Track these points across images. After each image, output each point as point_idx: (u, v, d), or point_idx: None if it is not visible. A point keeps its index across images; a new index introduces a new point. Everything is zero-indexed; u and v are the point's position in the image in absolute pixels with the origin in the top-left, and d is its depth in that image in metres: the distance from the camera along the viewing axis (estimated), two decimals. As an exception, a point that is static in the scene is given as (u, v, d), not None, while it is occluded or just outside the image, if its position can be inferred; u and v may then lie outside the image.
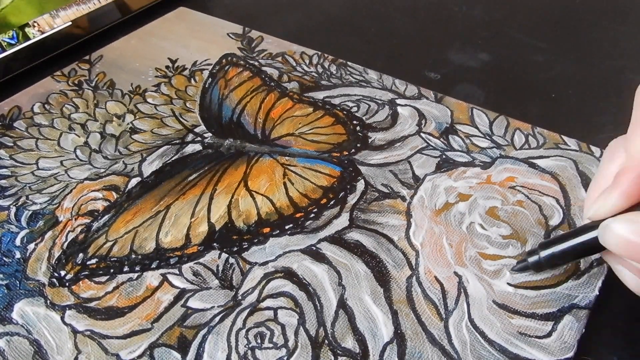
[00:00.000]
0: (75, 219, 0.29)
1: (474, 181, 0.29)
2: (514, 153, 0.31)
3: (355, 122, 0.34)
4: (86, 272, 0.26)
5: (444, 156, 0.31)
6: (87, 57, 0.41)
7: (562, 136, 0.31)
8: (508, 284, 0.24)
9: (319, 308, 0.24)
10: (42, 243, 0.28)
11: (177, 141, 0.33)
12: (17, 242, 0.28)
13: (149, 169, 0.31)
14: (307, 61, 0.39)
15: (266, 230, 0.27)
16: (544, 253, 0.23)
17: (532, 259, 0.24)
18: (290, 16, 0.46)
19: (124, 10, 0.45)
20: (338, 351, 0.23)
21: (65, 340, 0.24)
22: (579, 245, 0.22)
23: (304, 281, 0.25)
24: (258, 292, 0.25)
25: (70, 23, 0.42)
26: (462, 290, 0.24)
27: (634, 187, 0.19)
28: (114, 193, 0.30)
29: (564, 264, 0.24)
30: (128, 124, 0.35)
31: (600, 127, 0.33)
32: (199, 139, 0.33)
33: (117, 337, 0.23)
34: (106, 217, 0.29)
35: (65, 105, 0.37)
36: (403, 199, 0.29)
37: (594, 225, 0.21)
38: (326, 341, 0.23)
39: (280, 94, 0.36)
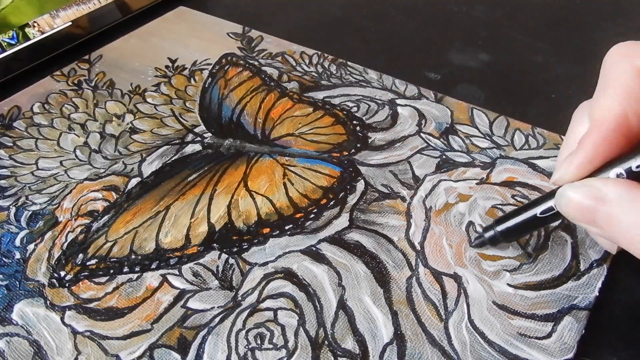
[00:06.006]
0: (75, 220, 0.29)
1: (474, 181, 0.29)
2: (514, 153, 0.31)
3: (355, 122, 0.34)
4: (86, 273, 0.26)
5: (444, 156, 0.31)
6: (86, 57, 0.41)
7: (562, 136, 0.31)
8: (508, 284, 0.24)
9: (318, 309, 0.24)
10: (41, 243, 0.28)
11: (177, 141, 0.33)
12: (17, 242, 0.28)
13: (148, 169, 0.31)
14: (307, 61, 0.39)
15: (266, 230, 0.27)
16: (499, 227, 0.24)
17: (489, 234, 0.24)
18: (290, 16, 0.46)
19: (124, 10, 0.45)
20: (338, 352, 0.23)
21: (65, 341, 0.24)
22: (534, 218, 0.22)
23: (304, 282, 0.25)
24: (258, 292, 0.25)
25: (70, 23, 0.42)
26: (462, 291, 0.24)
27: (596, 152, 0.19)
28: (113, 193, 0.30)
29: (521, 236, 0.25)
30: (128, 123, 0.35)
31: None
32: (198, 139, 0.33)
33: (117, 338, 0.23)
34: (106, 217, 0.29)
35: (65, 105, 0.37)
36: (403, 199, 0.29)
37: (550, 194, 0.21)
38: (326, 342, 0.23)
39: (280, 94, 0.36)
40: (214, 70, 0.39)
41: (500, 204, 0.28)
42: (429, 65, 0.39)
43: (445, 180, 0.29)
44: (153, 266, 0.26)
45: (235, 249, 0.27)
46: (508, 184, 0.29)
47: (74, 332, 0.24)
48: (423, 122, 0.33)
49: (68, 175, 0.32)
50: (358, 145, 0.32)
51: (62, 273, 0.26)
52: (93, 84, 0.39)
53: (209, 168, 0.31)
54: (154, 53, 0.41)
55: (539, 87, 0.37)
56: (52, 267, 0.27)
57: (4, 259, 0.27)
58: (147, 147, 0.33)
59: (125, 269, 0.26)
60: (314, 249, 0.26)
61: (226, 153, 0.32)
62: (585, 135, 0.20)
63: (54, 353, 0.23)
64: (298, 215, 0.28)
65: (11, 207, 0.30)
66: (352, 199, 0.29)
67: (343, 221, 0.28)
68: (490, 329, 0.23)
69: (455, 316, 0.23)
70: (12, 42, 0.40)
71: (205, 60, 0.40)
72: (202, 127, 0.34)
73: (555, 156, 0.30)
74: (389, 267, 0.25)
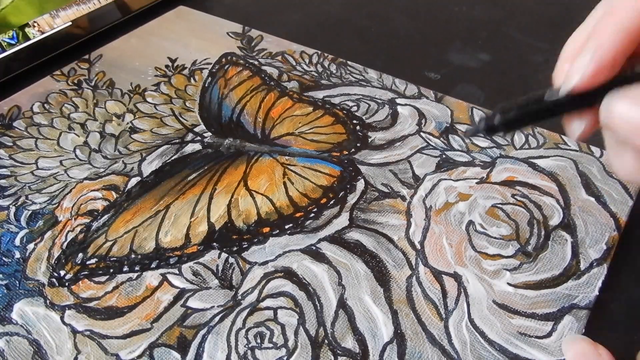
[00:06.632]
0: (75, 219, 0.29)
1: (473, 181, 0.29)
2: (514, 153, 0.31)
3: (355, 121, 0.34)
4: (86, 272, 0.26)
5: (444, 156, 0.31)
6: (86, 57, 0.41)
7: (562, 136, 0.31)
8: (508, 284, 0.24)
9: (318, 308, 0.24)
10: (41, 243, 0.28)
11: (177, 140, 0.33)
12: (17, 242, 0.28)
13: (148, 168, 0.31)
14: (307, 60, 0.39)
15: (266, 229, 0.27)
16: (503, 115, 0.20)
17: (496, 119, 0.20)
18: (290, 16, 0.46)
19: (124, 10, 0.45)
20: (338, 351, 0.22)
21: (64, 340, 0.23)
22: (542, 111, 0.20)
23: (304, 281, 0.25)
24: (258, 291, 0.25)
25: (70, 23, 0.42)
26: (462, 290, 0.24)
27: (614, 43, 0.16)
28: (113, 193, 0.30)
29: (519, 128, 0.22)
30: (127, 123, 0.35)
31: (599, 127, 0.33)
32: (198, 138, 0.33)
33: (117, 337, 0.23)
34: (106, 216, 0.29)
35: (65, 105, 0.37)
36: (403, 198, 0.29)
37: (555, 91, 0.19)
38: (326, 341, 0.23)
39: (280, 93, 0.36)
40: (214, 70, 0.39)
41: (500, 203, 0.28)
42: (429, 65, 0.39)
43: (445, 179, 0.29)
44: (153, 265, 0.26)
45: (235, 248, 0.27)
46: (508, 183, 0.29)
47: (74, 331, 0.24)
48: (423, 121, 0.33)
49: (68, 175, 0.32)
50: (358, 144, 0.32)
51: (62, 272, 0.26)
52: (93, 84, 0.39)
53: (209, 167, 0.31)
54: (154, 53, 0.41)
55: (539, 87, 0.37)
56: (51, 267, 0.26)
57: (3, 258, 0.27)
58: (147, 146, 0.33)
59: (125, 268, 0.26)
60: (314, 248, 0.26)
61: (226, 152, 0.32)
62: (602, 20, 0.17)
63: (53, 352, 0.23)
64: (298, 215, 0.28)
65: (11, 206, 0.30)
66: (352, 198, 0.29)
67: (343, 220, 0.28)
68: (491, 328, 0.23)
69: (455, 315, 0.23)
70: (12, 42, 0.40)
71: (205, 59, 0.40)
72: (202, 127, 0.34)
73: (556, 155, 0.30)
74: (389, 266, 0.25)
